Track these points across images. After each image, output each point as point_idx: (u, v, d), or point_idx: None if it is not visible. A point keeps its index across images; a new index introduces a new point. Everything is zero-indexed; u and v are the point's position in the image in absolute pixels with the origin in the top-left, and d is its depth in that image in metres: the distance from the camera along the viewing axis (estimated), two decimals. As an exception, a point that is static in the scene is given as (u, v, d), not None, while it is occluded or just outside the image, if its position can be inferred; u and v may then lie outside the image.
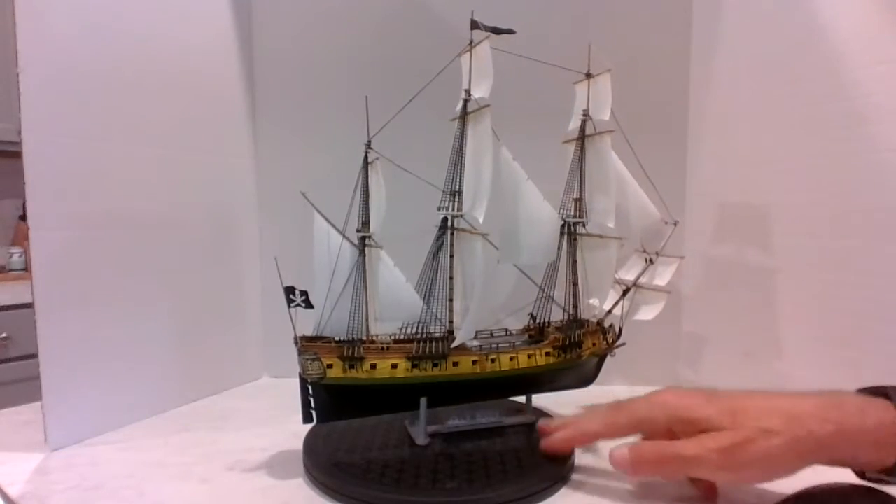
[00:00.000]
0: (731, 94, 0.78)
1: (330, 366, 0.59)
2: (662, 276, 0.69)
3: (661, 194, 0.69)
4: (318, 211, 0.63)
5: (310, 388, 0.59)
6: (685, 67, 0.83)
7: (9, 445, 0.65)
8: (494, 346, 0.64)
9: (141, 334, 0.73)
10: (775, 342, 0.72)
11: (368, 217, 0.62)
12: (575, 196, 0.67)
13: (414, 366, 0.60)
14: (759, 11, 0.73)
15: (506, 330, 0.67)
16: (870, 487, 0.46)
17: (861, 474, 0.47)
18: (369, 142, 0.61)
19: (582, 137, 0.67)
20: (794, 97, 0.69)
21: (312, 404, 0.59)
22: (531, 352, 0.63)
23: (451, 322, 0.62)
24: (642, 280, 0.69)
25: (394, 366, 0.60)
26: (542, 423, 0.59)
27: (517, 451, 0.60)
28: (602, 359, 0.70)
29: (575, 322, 0.67)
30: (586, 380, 0.71)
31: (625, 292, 0.69)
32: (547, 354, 0.64)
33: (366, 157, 0.61)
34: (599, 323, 0.69)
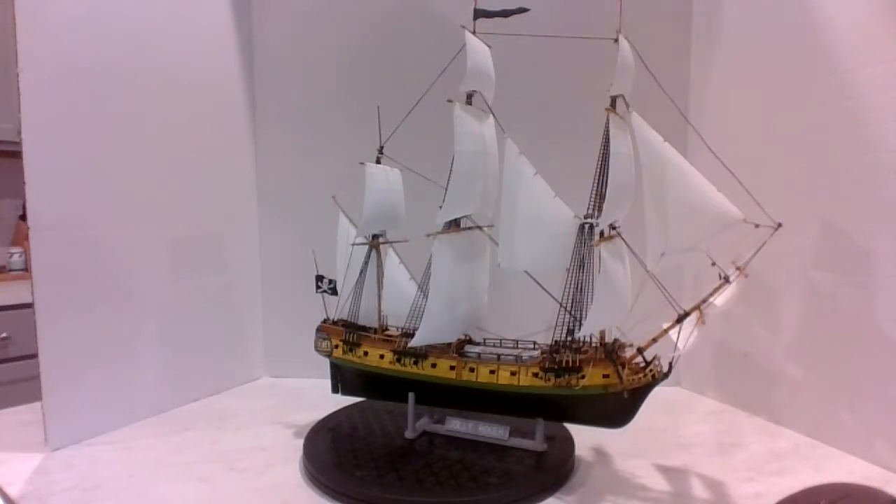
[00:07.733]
0: (730, 93, 0.78)
1: (336, 346, 0.66)
2: (720, 295, 0.53)
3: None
4: (344, 212, 0.68)
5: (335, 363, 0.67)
6: (685, 67, 0.83)
7: (9, 445, 0.65)
8: (475, 354, 0.60)
9: (141, 334, 0.74)
10: (773, 342, 0.72)
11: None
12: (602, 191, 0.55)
13: (397, 359, 0.63)
14: (759, 11, 0.74)
15: (534, 343, 0.60)
16: (870, 487, 0.46)
17: None
18: (381, 147, 0.65)
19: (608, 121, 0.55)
20: (793, 97, 0.69)
21: (339, 377, 0.68)
22: (514, 369, 0.57)
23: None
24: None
25: (381, 356, 0.64)
26: None
27: (499, 472, 0.56)
28: (637, 397, 0.54)
29: (571, 343, 0.56)
30: (609, 419, 0.56)
31: (679, 319, 0.52)
32: (535, 375, 0.56)
33: (378, 161, 0.65)
34: (640, 351, 0.54)
